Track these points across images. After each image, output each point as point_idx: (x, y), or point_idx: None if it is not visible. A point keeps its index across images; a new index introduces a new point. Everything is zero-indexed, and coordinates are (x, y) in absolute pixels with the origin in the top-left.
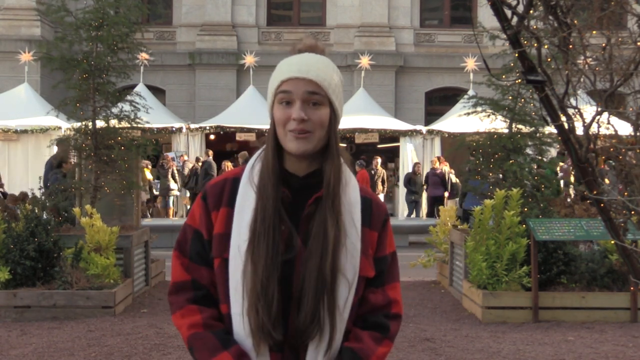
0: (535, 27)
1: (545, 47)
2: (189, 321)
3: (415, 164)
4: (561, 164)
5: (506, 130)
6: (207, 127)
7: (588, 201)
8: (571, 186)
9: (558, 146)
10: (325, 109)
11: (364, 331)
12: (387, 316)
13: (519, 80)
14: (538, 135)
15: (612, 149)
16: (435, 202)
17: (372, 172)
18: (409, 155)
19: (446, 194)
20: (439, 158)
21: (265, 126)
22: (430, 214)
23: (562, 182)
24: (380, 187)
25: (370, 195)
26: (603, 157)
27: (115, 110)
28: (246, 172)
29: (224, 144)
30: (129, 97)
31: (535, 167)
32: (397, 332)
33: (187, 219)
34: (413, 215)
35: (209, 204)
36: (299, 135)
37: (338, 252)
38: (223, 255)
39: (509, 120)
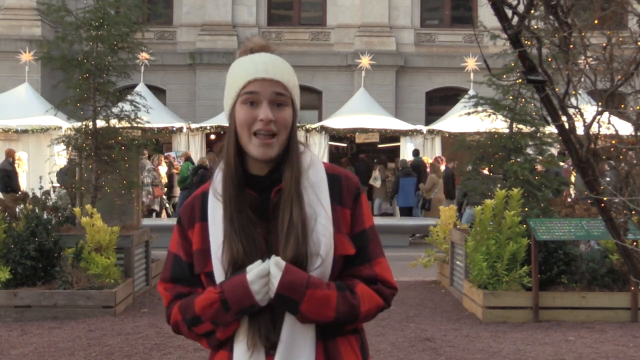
0: (535, 26)
1: (546, 46)
2: (174, 309)
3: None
4: (561, 163)
5: (507, 130)
6: (208, 127)
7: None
8: (571, 186)
9: (559, 146)
10: (289, 109)
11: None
12: (392, 292)
13: (520, 80)
14: (539, 135)
15: (612, 149)
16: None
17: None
18: (409, 155)
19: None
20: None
21: None
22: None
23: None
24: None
25: (339, 171)
26: (603, 157)
27: (115, 110)
28: (212, 184)
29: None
30: (129, 97)
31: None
32: (391, 299)
33: (169, 245)
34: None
35: (183, 224)
36: (266, 141)
37: (305, 235)
38: (204, 269)
39: (509, 120)
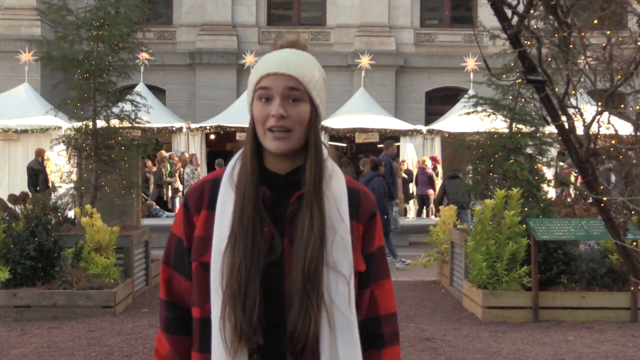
0: (535, 26)
1: (546, 46)
2: (159, 349)
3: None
4: (561, 163)
5: (506, 130)
6: (208, 127)
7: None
8: (571, 186)
9: (558, 146)
10: (305, 105)
11: (380, 350)
12: (387, 319)
13: (519, 80)
14: (538, 135)
15: (612, 149)
16: (423, 200)
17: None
18: (409, 155)
19: (430, 192)
20: (432, 158)
21: None
22: (419, 212)
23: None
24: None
25: (358, 187)
26: (603, 157)
27: (115, 109)
28: (226, 173)
29: (224, 144)
30: (129, 97)
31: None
32: (398, 329)
33: (172, 226)
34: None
35: (190, 208)
36: (279, 135)
37: (325, 248)
38: (200, 258)
39: (509, 120)
